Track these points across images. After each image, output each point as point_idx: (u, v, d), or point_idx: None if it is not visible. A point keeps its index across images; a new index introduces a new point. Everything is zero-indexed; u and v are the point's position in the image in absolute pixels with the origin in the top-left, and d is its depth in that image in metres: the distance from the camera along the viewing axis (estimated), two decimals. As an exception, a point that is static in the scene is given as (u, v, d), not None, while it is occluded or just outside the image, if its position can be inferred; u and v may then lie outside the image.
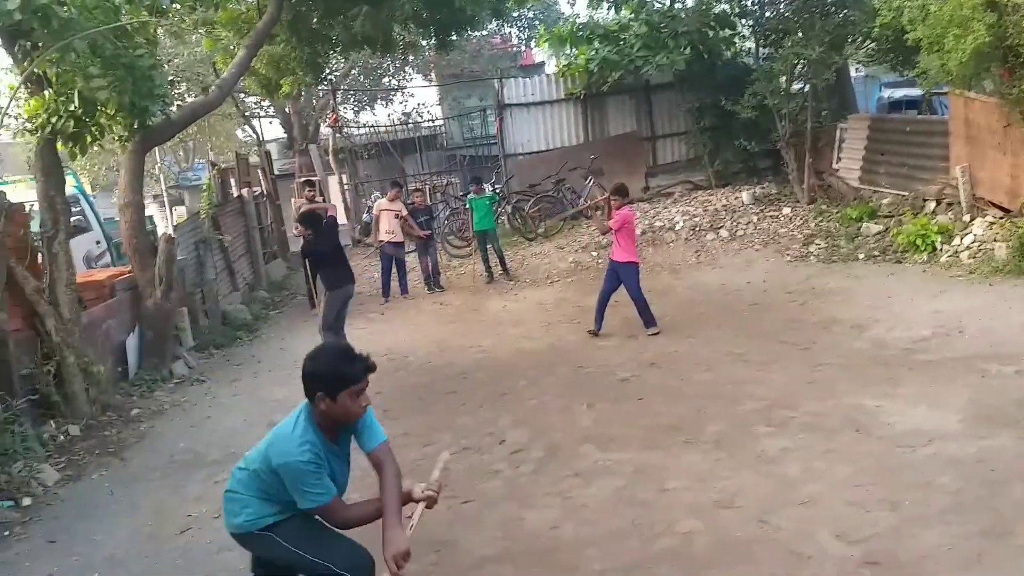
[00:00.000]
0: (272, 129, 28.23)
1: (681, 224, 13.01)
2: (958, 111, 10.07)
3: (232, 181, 14.58)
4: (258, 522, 3.08)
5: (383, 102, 27.44)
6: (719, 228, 12.65)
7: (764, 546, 3.85)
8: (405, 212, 11.65)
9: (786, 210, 12.61)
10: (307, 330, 10.39)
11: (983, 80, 9.46)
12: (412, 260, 12.79)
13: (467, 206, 12.57)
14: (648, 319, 8.27)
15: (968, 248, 9.26)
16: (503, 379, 7.24)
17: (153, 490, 5.40)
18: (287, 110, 23.87)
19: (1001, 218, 9.33)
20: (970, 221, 9.64)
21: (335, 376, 2.99)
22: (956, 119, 10.14)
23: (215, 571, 4.21)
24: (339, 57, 19.08)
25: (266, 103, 24.21)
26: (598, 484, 4.80)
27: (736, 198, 13.52)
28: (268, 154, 17.99)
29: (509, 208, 14.25)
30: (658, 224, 13.23)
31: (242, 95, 21.71)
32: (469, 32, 15.02)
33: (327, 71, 19.11)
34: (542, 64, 28.63)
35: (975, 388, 5.57)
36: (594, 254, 12.61)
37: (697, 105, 14.54)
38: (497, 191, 14.51)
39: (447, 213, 14.72)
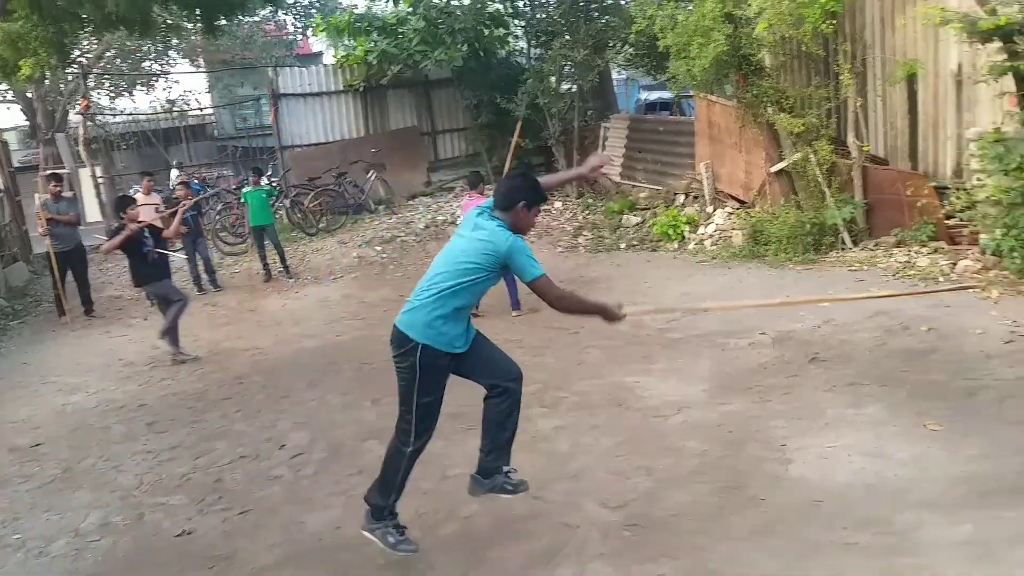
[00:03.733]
0: (11, 116, 24.97)
1: (462, 219, 13.27)
2: (702, 113, 11.23)
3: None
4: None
5: (144, 88, 25.27)
6: (498, 221, 13.07)
7: (538, 521, 4.10)
8: (162, 206, 10.88)
9: (557, 204, 13.33)
10: (56, 341, 9.39)
11: (724, 85, 10.62)
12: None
13: (242, 200, 11.97)
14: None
15: (711, 236, 10.39)
16: (282, 380, 7.02)
17: None
18: (29, 95, 21.23)
19: (738, 209, 10.55)
20: (713, 212, 10.81)
21: (538, 193, 3.75)
22: (700, 120, 11.29)
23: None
24: (90, 38, 17.32)
25: (3, 87, 21.35)
26: (382, 479, 4.82)
27: (513, 192, 14.03)
28: (5, 144, 15.89)
29: (287, 202, 13.76)
30: (440, 218, 13.43)
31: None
32: (239, 17, 14.27)
33: (76, 52, 17.28)
34: (320, 54, 27.86)
35: (716, 361, 6.28)
36: (378, 248, 12.55)
37: (475, 102, 14.91)
38: (274, 184, 13.95)
39: (219, 207, 13.91)
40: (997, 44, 7.05)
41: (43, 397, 7.16)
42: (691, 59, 9.34)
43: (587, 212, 12.83)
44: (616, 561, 3.64)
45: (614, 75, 18.44)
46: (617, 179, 13.37)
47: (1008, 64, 6.98)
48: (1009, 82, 7.28)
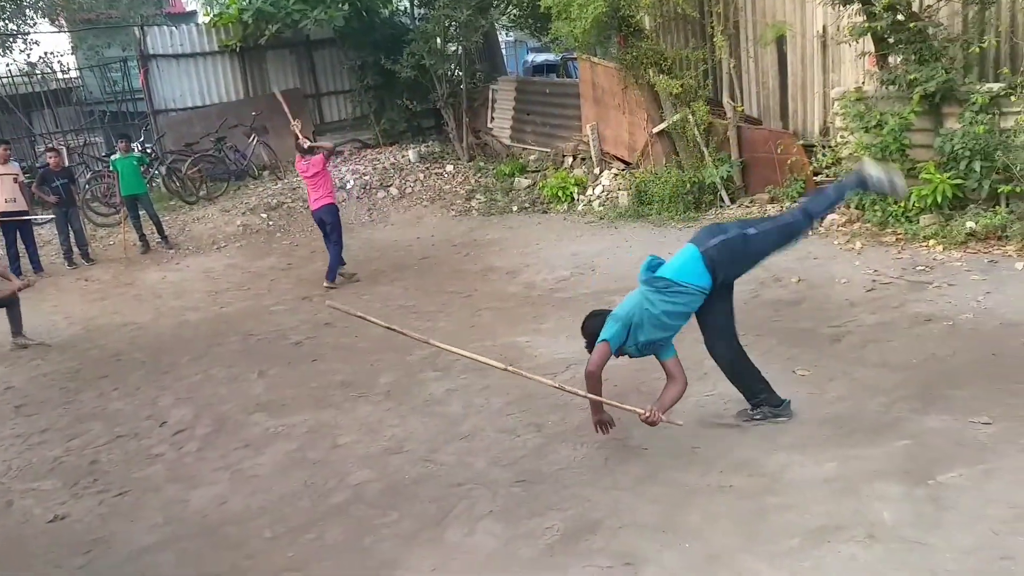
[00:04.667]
0: None
1: (352, 183, 13.00)
2: (586, 75, 11.33)
3: None
4: None
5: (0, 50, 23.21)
6: (389, 186, 12.89)
7: (429, 483, 4.13)
8: (22, 176, 10.16)
9: (449, 167, 13.23)
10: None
11: (607, 46, 10.74)
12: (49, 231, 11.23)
13: (111, 168, 11.28)
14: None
15: (599, 197, 10.58)
16: (164, 356, 6.74)
17: None
18: None
19: (623, 170, 10.78)
20: (600, 173, 11.00)
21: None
22: (585, 82, 11.40)
23: None
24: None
25: None
26: (270, 451, 4.74)
27: (403, 156, 13.84)
28: None
29: (164, 169, 13.04)
30: (328, 183, 13.07)
31: None
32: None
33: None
34: (194, 13, 26.29)
35: (604, 318, 6.44)
36: (263, 216, 12.13)
37: (359, 63, 14.47)
38: (148, 151, 13.18)
39: (88, 176, 13.05)
40: (856, 6, 7.43)
41: None
42: (572, 20, 9.38)
43: (479, 175, 12.78)
44: (506, 517, 3.72)
45: (502, 37, 18.33)
46: (507, 142, 13.39)
47: (867, 25, 7.38)
48: (868, 43, 7.70)
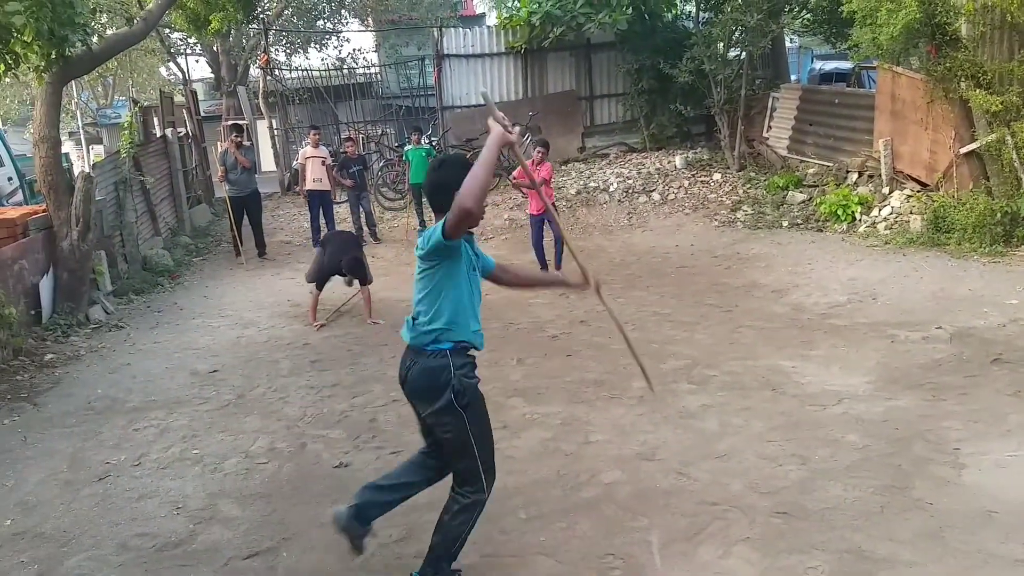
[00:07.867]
0: (199, 68, 27.05)
1: (615, 186, 13.13)
2: (885, 85, 10.39)
3: (155, 120, 13.96)
4: None
5: (317, 45, 26.57)
6: (651, 191, 12.82)
7: (681, 496, 4.01)
8: (329, 159, 11.46)
9: (716, 176, 12.85)
10: (232, 278, 10.18)
11: (911, 56, 9.78)
12: (344, 210, 12.60)
13: (403, 157, 12.38)
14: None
15: (885, 219, 9.66)
16: (433, 334, 7.23)
17: (69, 436, 5.24)
18: (215, 49, 22.86)
19: (918, 192, 9.74)
20: (889, 193, 10.04)
21: None
22: (883, 93, 10.46)
23: (133, 518, 4.13)
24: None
25: (193, 40, 23.10)
26: (525, 436, 4.89)
27: (669, 162, 13.70)
28: (194, 93, 17.25)
29: (445, 162, 14.07)
30: (592, 185, 13.32)
31: (167, 30, 20.67)
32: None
33: (258, 9, 18.40)
34: (482, 16, 28.16)
35: (884, 352, 5.87)
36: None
37: (636, 67, 14.57)
38: (434, 144, 14.33)
39: (381, 164, 14.48)
40: None
41: (220, 329, 7.79)
42: (878, 26, 8.66)
43: (748, 186, 12.29)
44: (764, 547, 3.51)
45: (787, 43, 17.45)
46: (784, 152, 12.72)
47: None
48: None
